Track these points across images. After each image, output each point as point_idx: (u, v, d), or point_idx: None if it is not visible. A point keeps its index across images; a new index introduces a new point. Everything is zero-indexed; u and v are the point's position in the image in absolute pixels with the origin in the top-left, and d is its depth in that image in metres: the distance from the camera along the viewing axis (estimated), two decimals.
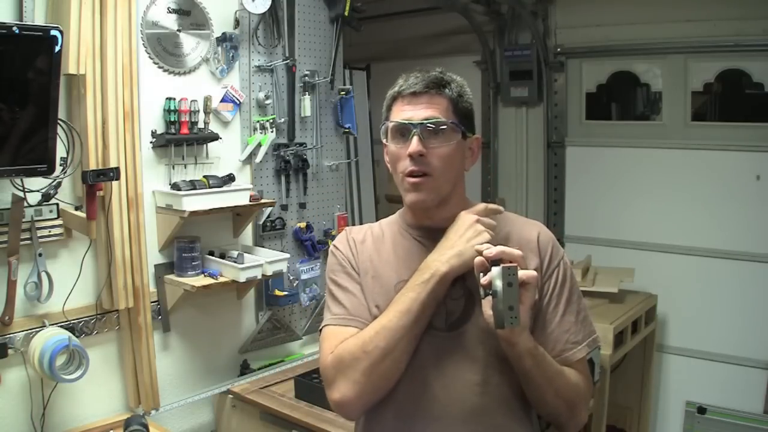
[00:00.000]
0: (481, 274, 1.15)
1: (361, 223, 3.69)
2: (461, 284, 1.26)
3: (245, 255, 2.40)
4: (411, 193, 1.26)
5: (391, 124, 1.28)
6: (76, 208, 2.05)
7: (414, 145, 1.22)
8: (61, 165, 1.91)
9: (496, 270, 1.11)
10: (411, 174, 1.24)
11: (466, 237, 1.21)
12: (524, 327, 1.15)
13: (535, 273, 1.15)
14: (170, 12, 2.27)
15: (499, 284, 1.09)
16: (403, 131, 1.25)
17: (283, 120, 2.63)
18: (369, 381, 1.19)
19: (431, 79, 1.26)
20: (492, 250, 1.14)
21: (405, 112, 1.26)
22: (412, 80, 1.27)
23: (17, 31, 1.67)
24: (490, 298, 1.12)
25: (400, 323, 1.19)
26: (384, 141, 1.31)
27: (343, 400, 1.22)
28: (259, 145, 2.54)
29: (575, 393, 1.25)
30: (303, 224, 2.75)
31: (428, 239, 1.31)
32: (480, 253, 1.15)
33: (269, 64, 2.58)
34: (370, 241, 1.37)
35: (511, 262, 1.13)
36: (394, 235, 1.37)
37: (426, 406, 1.23)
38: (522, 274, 1.11)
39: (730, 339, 3.04)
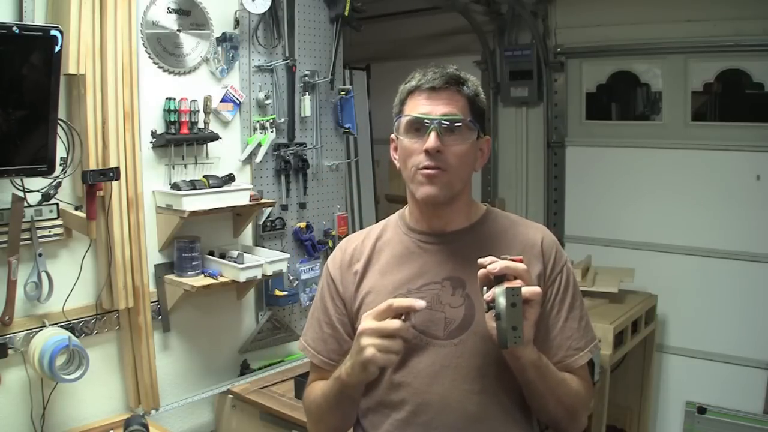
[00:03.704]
0: (485, 288, 1.12)
1: (361, 224, 3.69)
2: (461, 292, 1.25)
3: (245, 255, 2.41)
4: (424, 186, 1.22)
5: (407, 118, 1.25)
6: (76, 208, 2.05)
7: (432, 140, 1.19)
8: (61, 165, 1.91)
9: (499, 290, 1.08)
10: (425, 168, 1.22)
11: (353, 352, 1.17)
12: (528, 341, 1.13)
13: (539, 290, 1.11)
14: (170, 12, 2.27)
15: (502, 305, 1.07)
16: (419, 126, 1.23)
17: (283, 120, 2.63)
18: (316, 428, 1.38)
19: (451, 75, 1.24)
20: (496, 266, 1.10)
21: (423, 107, 1.23)
22: (431, 75, 1.24)
23: (17, 31, 1.68)
24: (493, 312, 1.09)
25: (325, 402, 1.29)
26: (396, 134, 1.29)
27: (309, 430, 1.41)
28: (259, 145, 2.54)
29: (576, 400, 1.24)
30: (303, 224, 2.75)
31: (429, 243, 1.30)
32: (484, 266, 1.12)
33: (269, 64, 2.58)
34: (368, 252, 1.35)
35: (515, 277, 1.10)
36: (392, 241, 1.35)
37: (424, 414, 1.23)
38: (526, 291, 1.08)
39: (730, 339, 3.04)
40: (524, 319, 1.09)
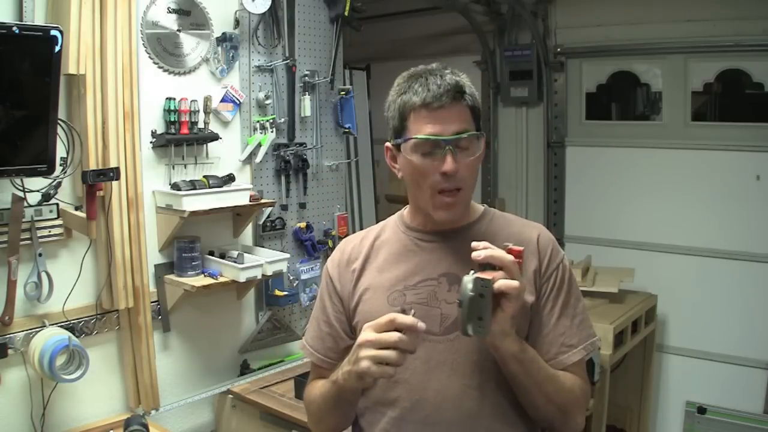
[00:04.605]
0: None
1: (361, 224, 3.69)
2: (457, 289, 1.23)
3: (245, 255, 2.41)
4: (442, 211, 1.22)
5: (417, 140, 1.20)
6: (76, 208, 2.05)
7: (449, 163, 1.17)
8: (61, 165, 1.91)
9: (468, 278, 1.07)
10: (443, 191, 1.20)
11: (350, 360, 1.16)
12: (505, 333, 1.12)
13: (516, 284, 1.08)
14: (170, 12, 2.27)
15: (466, 292, 1.06)
16: (432, 147, 1.20)
17: (283, 120, 2.63)
18: (317, 425, 1.38)
19: (453, 89, 1.20)
20: (480, 254, 1.10)
21: (431, 126, 1.19)
22: (435, 89, 1.19)
23: (17, 31, 1.68)
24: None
25: (324, 403, 1.30)
26: (402, 151, 1.24)
27: (310, 427, 1.41)
28: (259, 145, 2.54)
29: (569, 399, 1.23)
30: (303, 224, 2.75)
31: (427, 241, 1.31)
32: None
33: (269, 64, 2.58)
34: (366, 250, 1.35)
35: (501, 267, 1.09)
36: (391, 239, 1.35)
37: (421, 411, 1.23)
38: (502, 284, 1.07)
39: (730, 339, 3.04)
40: (501, 311, 1.09)
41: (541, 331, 1.25)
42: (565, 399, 1.22)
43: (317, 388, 1.33)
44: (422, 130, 1.20)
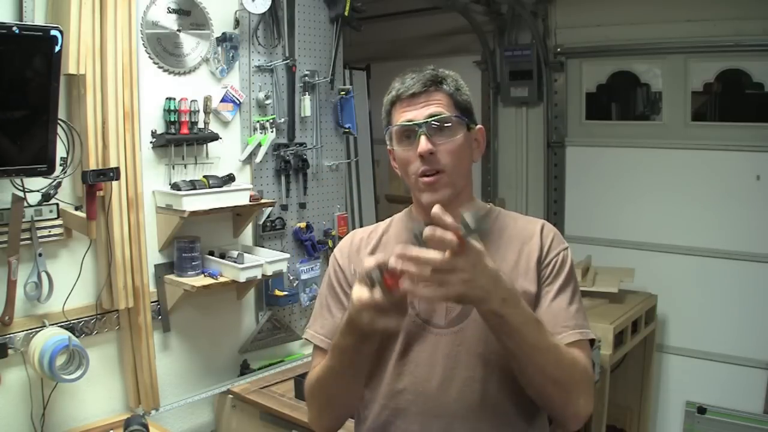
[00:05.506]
0: None
1: (361, 224, 3.69)
2: None
3: (245, 255, 2.41)
4: (426, 194, 1.25)
5: (395, 128, 1.27)
6: (76, 208, 2.05)
7: (423, 144, 1.21)
8: (61, 165, 1.91)
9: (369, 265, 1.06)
10: (424, 174, 1.23)
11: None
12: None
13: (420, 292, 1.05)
14: (170, 12, 2.27)
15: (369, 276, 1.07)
16: (408, 133, 1.25)
17: (283, 120, 2.63)
18: (320, 414, 1.34)
19: (428, 78, 1.26)
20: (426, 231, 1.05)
21: (407, 114, 1.25)
22: (409, 82, 1.26)
23: (17, 31, 1.68)
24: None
25: (328, 372, 1.25)
26: (389, 146, 1.31)
27: (311, 423, 1.38)
28: (259, 145, 2.54)
29: (567, 373, 1.16)
30: (303, 224, 2.75)
31: None
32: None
33: (269, 64, 2.58)
34: (374, 242, 1.38)
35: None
36: (398, 233, 1.37)
37: (424, 403, 1.24)
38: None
39: (730, 339, 3.04)
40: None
41: (537, 311, 1.25)
42: (562, 374, 1.16)
43: (320, 367, 1.29)
44: (399, 119, 1.26)
